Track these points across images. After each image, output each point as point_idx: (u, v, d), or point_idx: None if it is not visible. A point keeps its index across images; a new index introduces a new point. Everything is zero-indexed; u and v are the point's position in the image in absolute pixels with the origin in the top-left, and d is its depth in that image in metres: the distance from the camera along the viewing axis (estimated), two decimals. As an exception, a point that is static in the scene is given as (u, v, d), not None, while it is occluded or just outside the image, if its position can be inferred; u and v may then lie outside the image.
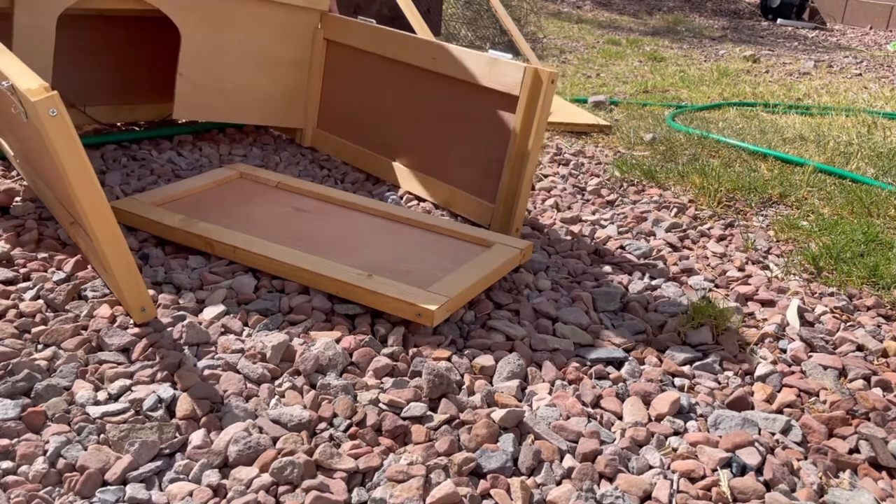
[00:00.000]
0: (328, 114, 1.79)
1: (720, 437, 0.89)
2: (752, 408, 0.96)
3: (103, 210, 0.94)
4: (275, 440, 0.81)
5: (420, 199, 1.55)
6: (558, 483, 0.80)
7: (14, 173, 1.44)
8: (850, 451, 0.89)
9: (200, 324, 1.01)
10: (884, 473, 0.86)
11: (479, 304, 1.14)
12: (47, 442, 0.77)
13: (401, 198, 1.54)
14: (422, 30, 2.40)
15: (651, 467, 0.83)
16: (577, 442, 0.86)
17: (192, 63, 1.58)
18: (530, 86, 1.30)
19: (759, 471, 0.84)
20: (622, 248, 1.42)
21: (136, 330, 0.99)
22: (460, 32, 3.81)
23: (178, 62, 1.57)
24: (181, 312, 1.03)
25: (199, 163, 1.63)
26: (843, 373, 1.05)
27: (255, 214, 1.32)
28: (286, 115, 1.78)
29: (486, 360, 0.99)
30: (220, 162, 1.66)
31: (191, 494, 0.72)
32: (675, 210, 1.64)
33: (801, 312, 1.19)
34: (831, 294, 1.29)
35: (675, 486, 0.80)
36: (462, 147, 1.46)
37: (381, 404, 0.89)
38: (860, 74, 3.97)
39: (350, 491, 0.76)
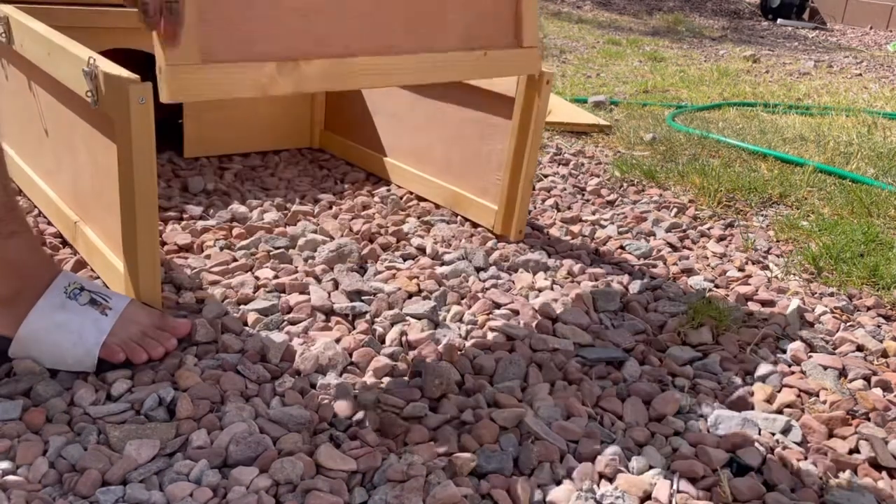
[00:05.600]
0: (334, 115, 1.80)
1: (720, 437, 0.89)
2: (752, 408, 0.96)
3: (152, 201, 0.95)
4: (275, 440, 0.81)
5: (421, 199, 1.55)
6: (558, 483, 0.80)
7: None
8: (850, 451, 0.89)
9: (200, 319, 1.01)
10: (884, 473, 0.86)
11: (478, 303, 1.14)
12: (47, 442, 0.77)
13: (401, 198, 1.54)
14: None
15: (651, 467, 0.83)
16: (577, 442, 0.86)
17: (197, 102, 1.60)
18: (526, 86, 1.30)
19: (759, 471, 0.84)
20: (622, 248, 1.42)
21: (136, 330, 0.98)
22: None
23: (184, 104, 1.58)
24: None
25: (198, 162, 1.63)
26: (843, 373, 1.05)
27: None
28: (293, 137, 1.80)
29: (486, 359, 0.99)
30: (219, 161, 1.66)
31: (191, 495, 0.72)
32: (675, 210, 1.64)
33: (801, 312, 1.19)
34: (831, 294, 1.29)
35: (675, 486, 0.80)
36: (463, 148, 1.46)
37: (381, 404, 0.89)
38: (860, 74, 3.97)
39: (350, 491, 0.76)
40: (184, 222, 1.32)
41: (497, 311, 1.13)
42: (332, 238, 1.33)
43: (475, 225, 1.45)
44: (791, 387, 1.01)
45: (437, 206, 1.52)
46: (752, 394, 0.98)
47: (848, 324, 1.20)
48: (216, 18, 0.94)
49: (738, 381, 1.01)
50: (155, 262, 0.98)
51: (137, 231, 0.96)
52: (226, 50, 0.96)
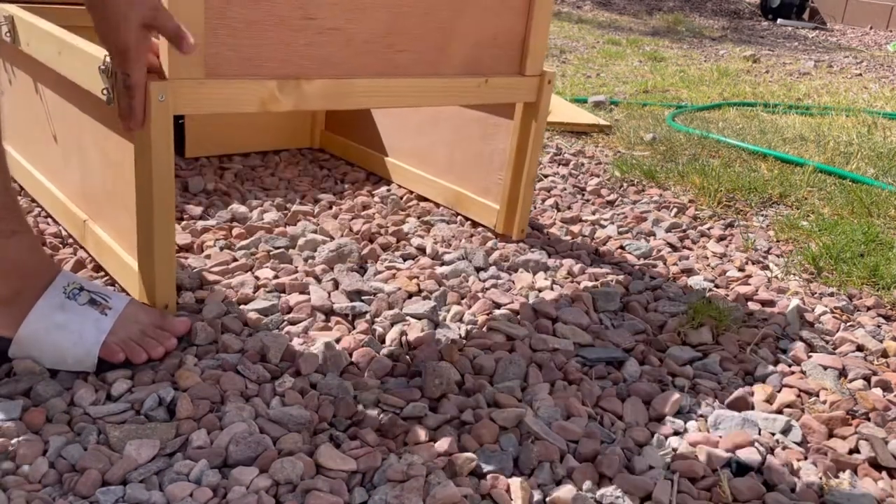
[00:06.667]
0: (334, 115, 1.80)
1: (720, 437, 0.89)
2: (752, 408, 0.96)
3: (170, 200, 0.95)
4: (275, 440, 0.81)
5: (421, 199, 1.55)
6: (558, 483, 0.80)
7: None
8: (850, 451, 0.89)
9: (200, 323, 1.01)
10: (884, 473, 0.86)
11: (478, 303, 1.14)
12: (47, 442, 0.77)
13: (401, 198, 1.54)
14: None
15: (651, 467, 0.83)
16: (577, 442, 0.86)
17: None
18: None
19: (759, 471, 0.84)
20: (622, 248, 1.42)
21: (136, 330, 0.98)
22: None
23: None
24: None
25: (198, 162, 1.64)
26: (843, 373, 1.05)
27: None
28: (294, 137, 1.80)
29: (486, 359, 0.99)
30: (219, 161, 1.66)
31: (191, 495, 0.72)
32: (675, 210, 1.64)
33: (801, 312, 1.19)
34: (831, 294, 1.29)
35: (675, 486, 0.80)
36: (465, 148, 1.46)
37: (381, 404, 0.89)
38: (860, 74, 3.97)
39: (350, 491, 0.76)
40: (184, 222, 1.32)
41: (497, 311, 1.13)
42: (332, 238, 1.33)
43: (475, 225, 1.45)
44: (791, 387, 1.01)
45: (437, 206, 1.52)
46: (752, 394, 0.98)
47: (848, 324, 1.20)
48: (223, 35, 0.96)
49: (738, 381, 1.01)
50: (171, 261, 0.98)
51: (154, 230, 0.96)
52: (229, 66, 0.98)
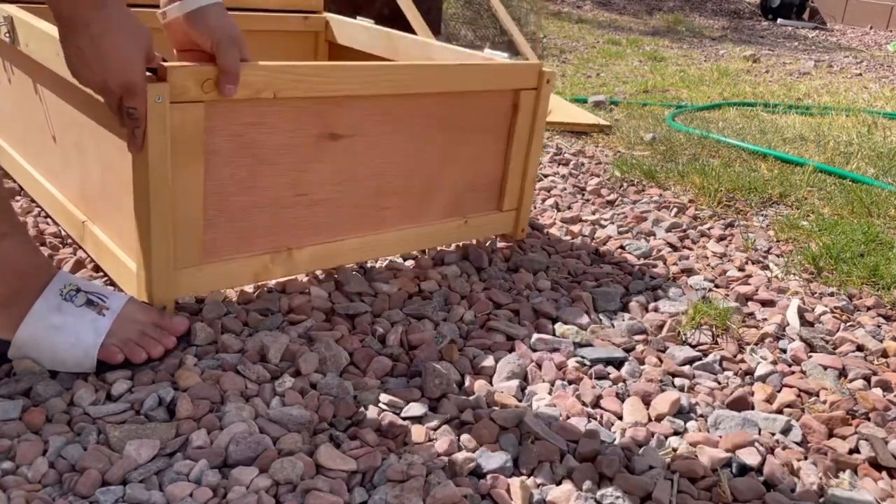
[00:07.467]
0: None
1: (720, 437, 0.89)
2: (752, 408, 0.96)
3: (167, 201, 0.95)
4: (275, 440, 0.81)
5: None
6: (558, 483, 0.80)
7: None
8: (850, 451, 0.89)
9: (200, 323, 1.01)
10: (884, 473, 0.86)
11: (479, 303, 1.14)
12: (47, 442, 0.77)
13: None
14: (422, 30, 2.41)
15: (651, 467, 0.83)
16: (577, 442, 0.86)
17: None
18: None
19: (759, 471, 0.84)
20: (622, 248, 1.42)
21: (136, 330, 0.98)
22: (460, 32, 3.82)
23: None
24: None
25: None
26: (843, 373, 1.05)
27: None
28: None
29: (486, 359, 0.99)
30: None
31: (191, 495, 0.72)
32: (675, 210, 1.64)
33: (801, 312, 1.19)
34: (831, 294, 1.29)
35: (675, 486, 0.80)
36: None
37: (381, 404, 0.89)
38: (860, 74, 3.97)
39: (350, 491, 0.76)
40: (184, 222, 1.32)
41: (497, 311, 1.13)
42: (332, 238, 1.33)
43: (475, 225, 1.45)
44: (791, 387, 1.01)
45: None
46: (752, 394, 0.98)
47: (848, 324, 1.20)
48: (220, 221, 1.00)
49: (738, 381, 1.01)
50: (169, 262, 0.98)
51: (152, 232, 0.96)
52: (225, 248, 1.02)
